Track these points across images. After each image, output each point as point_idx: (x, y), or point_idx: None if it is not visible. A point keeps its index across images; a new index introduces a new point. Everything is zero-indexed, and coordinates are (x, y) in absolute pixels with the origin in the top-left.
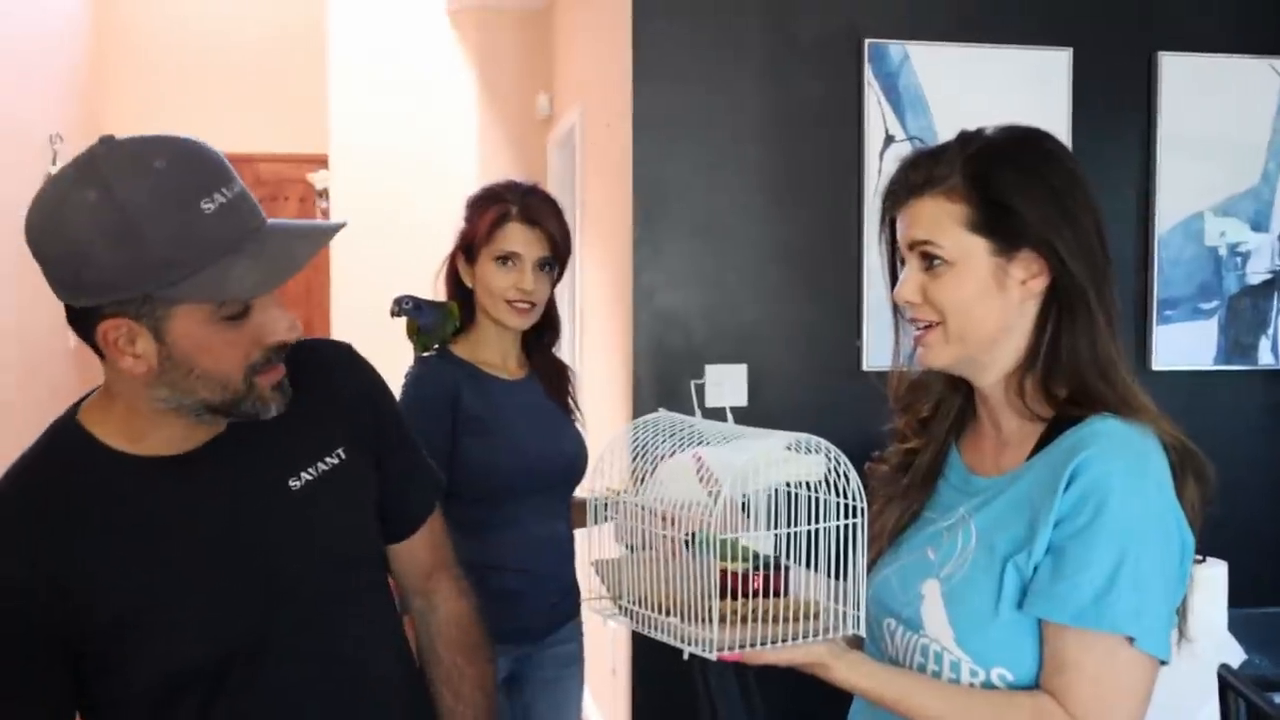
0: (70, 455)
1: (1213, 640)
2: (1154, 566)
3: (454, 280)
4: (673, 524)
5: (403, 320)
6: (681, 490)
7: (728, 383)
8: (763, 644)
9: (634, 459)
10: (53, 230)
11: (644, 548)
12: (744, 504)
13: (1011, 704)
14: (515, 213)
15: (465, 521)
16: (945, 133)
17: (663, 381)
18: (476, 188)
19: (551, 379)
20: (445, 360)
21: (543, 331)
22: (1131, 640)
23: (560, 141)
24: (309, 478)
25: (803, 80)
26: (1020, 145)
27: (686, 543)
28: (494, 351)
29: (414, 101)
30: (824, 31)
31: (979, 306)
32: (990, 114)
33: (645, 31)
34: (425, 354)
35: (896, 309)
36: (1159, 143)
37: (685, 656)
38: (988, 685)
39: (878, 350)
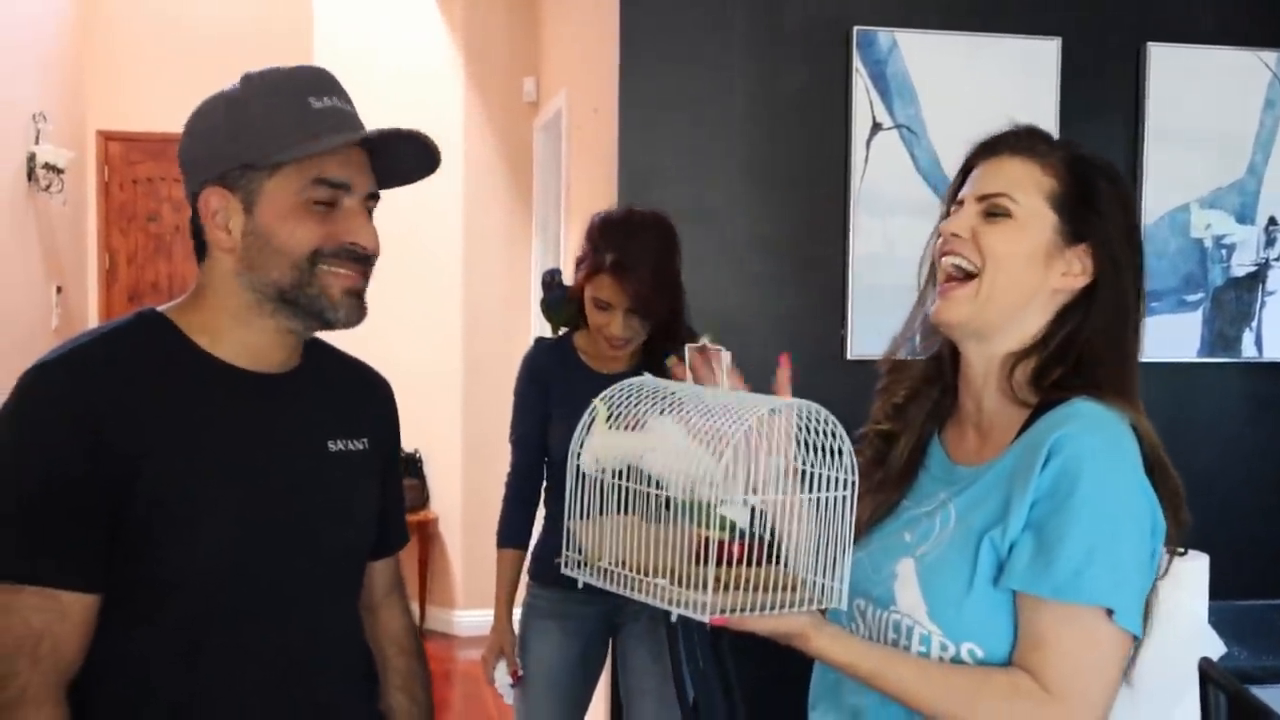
0: (152, 334)
1: (1193, 633)
2: (1129, 543)
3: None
4: (659, 485)
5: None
6: (671, 455)
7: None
8: (751, 610)
9: (611, 421)
10: (201, 113)
11: (620, 512)
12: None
13: (988, 679)
14: (608, 264)
15: (556, 482)
16: (933, 121)
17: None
18: (468, 176)
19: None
20: (553, 346)
21: (657, 341)
22: (1110, 613)
23: (546, 126)
24: (341, 448)
25: (790, 67)
26: (1117, 172)
27: (668, 505)
28: (599, 347)
29: (400, 87)
30: (812, 18)
31: (1021, 268)
32: (978, 103)
33: (632, 16)
34: (542, 338)
35: (930, 277)
36: (1146, 134)
37: (674, 618)
38: (956, 660)
39: (862, 339)
